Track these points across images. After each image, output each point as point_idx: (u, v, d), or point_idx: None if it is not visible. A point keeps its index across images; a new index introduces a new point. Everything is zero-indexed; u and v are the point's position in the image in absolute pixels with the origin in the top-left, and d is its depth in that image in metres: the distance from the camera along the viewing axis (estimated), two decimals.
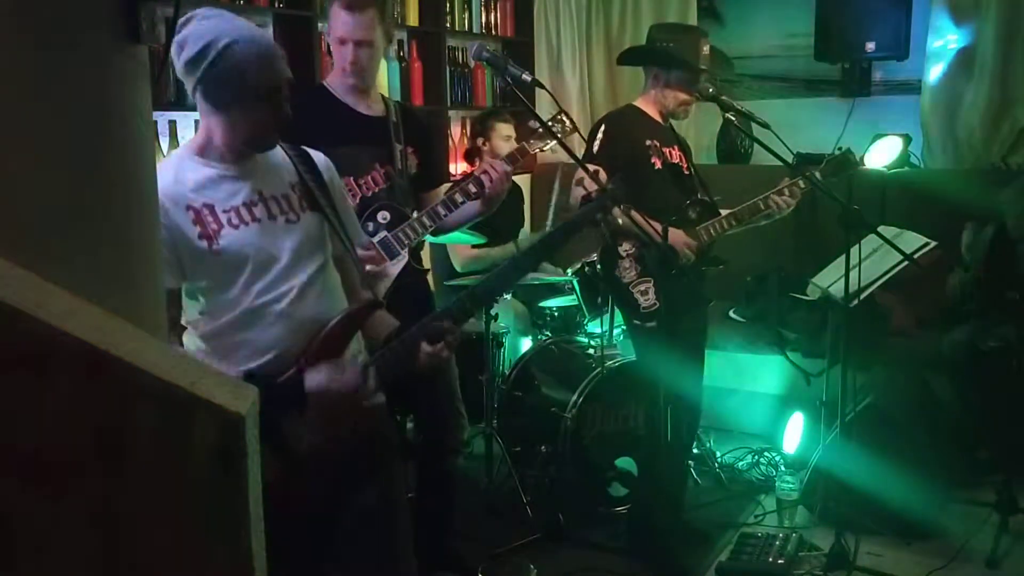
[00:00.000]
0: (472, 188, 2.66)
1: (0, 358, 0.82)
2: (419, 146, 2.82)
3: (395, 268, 2.63)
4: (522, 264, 2.10)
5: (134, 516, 0.90)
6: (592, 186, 2.43)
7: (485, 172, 2.64)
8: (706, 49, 3.06)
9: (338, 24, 2.61)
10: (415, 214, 2.71)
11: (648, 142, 3.03)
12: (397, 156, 2.72)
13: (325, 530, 1.92)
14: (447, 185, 2.94)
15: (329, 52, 4.06)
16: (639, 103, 3.14)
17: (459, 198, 2.65)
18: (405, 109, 2.86)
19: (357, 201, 2.64)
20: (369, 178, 2.68)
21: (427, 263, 3.39)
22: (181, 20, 1.77)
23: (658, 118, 3.12)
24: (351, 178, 2.64)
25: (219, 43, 1.71)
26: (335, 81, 2.73)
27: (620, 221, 2.35)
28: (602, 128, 3.05)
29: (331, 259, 1.98)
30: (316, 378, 1.80)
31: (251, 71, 1.74)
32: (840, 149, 3.20)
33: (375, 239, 2.61)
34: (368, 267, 2.32)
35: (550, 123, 2.71)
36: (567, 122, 2.75)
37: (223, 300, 1.82)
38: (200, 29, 1.74)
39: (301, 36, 3.87)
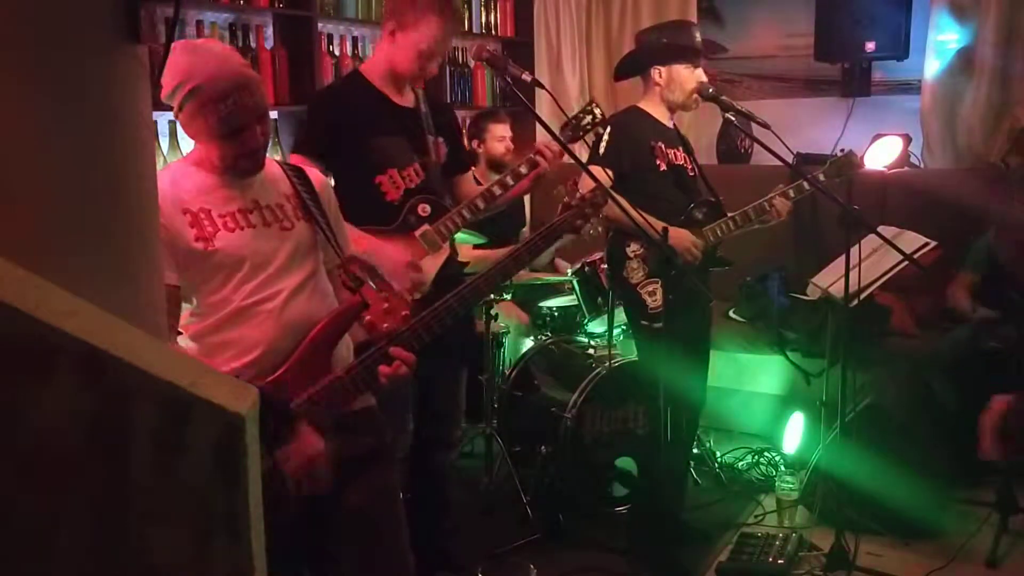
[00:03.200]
0: (523, 170, 2.71)
1: (0, 358, 0.82)
2: (447, 135, 2.85)
3: (437, 261, 2.67)
4: (505, 270, 2.11)
5: (134, 516, 0.89)
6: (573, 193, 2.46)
7: (539, 152, 2.70)
8: (698, 36, 3.07)
9: (433, 40, 2.62)
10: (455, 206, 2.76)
11: (653, 144, 3.03)
12: (430, 147, 2.76)
13: (321, 529, 1.93)
14: (471, 172, 3.01)
15: (330, 52, 4.09)
16: (643, 105, 3.13)
17: (510, 180, 2.70)
18: (430, 98, 2.89)
19: (400, 193, 2.66)
20: (411, 170, 2.69)
21: None
22: (173, 45, 1.81)
23: (663, 119, 3.11)
24: (395, 170, 2.67)
25: (185, 86, 1.79)
26: (374, 71, 2.74)
27: (600, 229, 2.35)
28: (607, 130, 3.05)
29: (323, 267, 2.00)
30: (289, 459, 1.80)
31: (214, 114, 1.79)
32: (842, 151, 3.20)
33: (417, 233, 2.65)
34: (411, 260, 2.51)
35: (582, 113, 2.75)
36: (598, 113, 2.76)
37: (215, 300, 1.85)
38: (172, 67, 1.80)
39: (301, 36, 3.87)
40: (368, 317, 2.46)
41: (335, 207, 2.10)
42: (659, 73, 3.07)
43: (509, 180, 2.72)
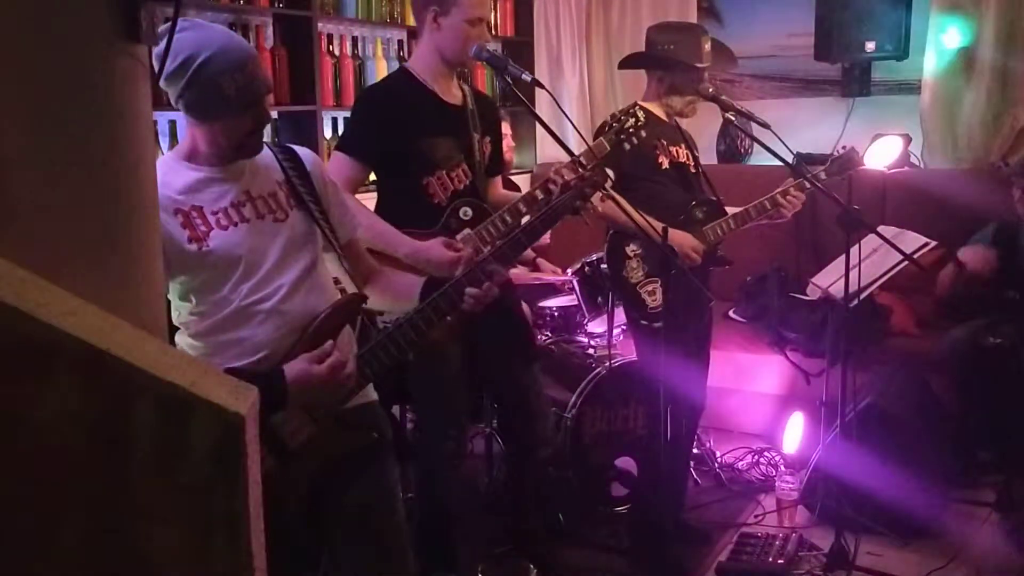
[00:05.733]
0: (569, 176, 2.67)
1: (0, 358, 0.82)
2: (492, 134, 2.79)
3: None
4: (502, 255, 2.09)
5: (134, 516, 0.89)
6: (569, 176, 2.47)
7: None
8: (707, 46, 3.05)
9: (471, 6, 2.59)
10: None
11: (655, 141, 3.03)
12: (476, 147, 2.70)
13: (321, 528, 1.92)
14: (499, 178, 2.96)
15: (330, 52, 4.09)
16: (644, 102, 3.12)
17: (553, 187, 2.64)
18: (477, 95, 2.83)
19: (448, 195, 2.62)
20: (460, 171, 2.65)
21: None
22: (160, 29, 1.78)
23: (664, 117, 3.11)
24: (443, 172, 2.61)
25: (196, 59, 1.73)
26: (422, 67, 2.68)
27: (599, 209, 2.32)
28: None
29: (322, 256, 1.98)
30: (295, 367, 1.78)
31: (229, 85, 1.75)
32: (844, 147, 3.19)
33: (458, 236, 2.60)
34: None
35: (623, 117, 2.72)
36: (641, 116, 2.75)
37: (214, 300, 1.84)
38: (176, 44, 1.73)
39: (301, 36, 3.87)
40: None
41: (332, 184, 2.06)
42: (660, 79, 3.07)
43: (552, 186, 2.65)
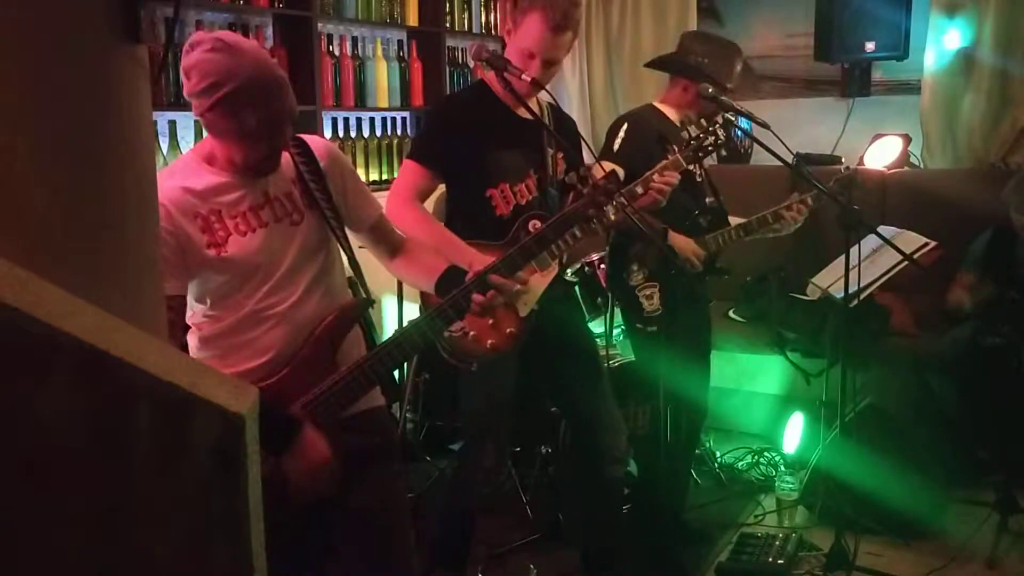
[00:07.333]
0: (639, 189, 2.64)
1: (0, 358, 0.82)
2: (567, 150, 2.72)
3: (544, 280, 2.56)
4: (512, 263, 2.10)
5: (134, 516, 0.89)
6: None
7: (654, 181, 2.65)
8: (739, 67, 3.05)
9: (534, 40, 2.48)
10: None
11: (666, 145, 3.01)
12: (549, 162, 2.65)
13: (325, 529, 1.93)
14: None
15: (329, 52, 4.08)
16: (658, 104, 3.12)
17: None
18: (555, 110, 2.78)
19: (511, 208, 2.57)
20: (523, 185, 2.59)
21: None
22: (189, 41, 1.76)
23: (675, 120, 3.11)
24: (507, 184, 2.57)
25: (222, 87, 1.71)
26: (497, 81, 2.60)
27: (613, 217, 2.31)
28: (624, 126, 3.03)
29: (335, 259, 1.99)
30: (312, 433, 1.80)
31: (250, 118, 1.74)
32: (847, 168, 3.18)
33: None
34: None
35: (702, 134, 2.68)
36: (720, 134, 2.69)
37: (229, 303, 1.85)
38: (206, 64, 1.72)
39: (301, 36, 3.87)
40: (472, 332, 2.43)
41: (349, 172, 2.04)
42: (686, 87, 3.06)
43: (639, 189, 2.63)
